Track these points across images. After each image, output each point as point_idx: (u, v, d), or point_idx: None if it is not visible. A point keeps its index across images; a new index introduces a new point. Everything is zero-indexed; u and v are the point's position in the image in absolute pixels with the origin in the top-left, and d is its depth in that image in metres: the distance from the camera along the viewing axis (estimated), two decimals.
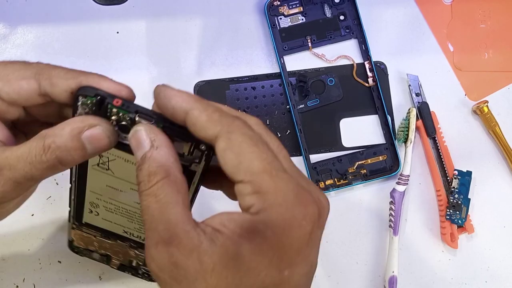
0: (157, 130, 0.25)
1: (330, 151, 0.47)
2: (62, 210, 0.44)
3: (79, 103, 0.25)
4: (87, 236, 0.36)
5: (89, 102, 0.25)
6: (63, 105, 0.28)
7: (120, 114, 0.25)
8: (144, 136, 0.25)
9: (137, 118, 0.25)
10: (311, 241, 0.24)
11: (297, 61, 0.47)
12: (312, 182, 0.27)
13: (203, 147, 0.26)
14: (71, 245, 0.38)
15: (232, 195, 0.26)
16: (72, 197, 0.32)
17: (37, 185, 0.31)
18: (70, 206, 0.33)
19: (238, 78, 0.47)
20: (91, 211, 0.33)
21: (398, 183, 0.46)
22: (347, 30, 0.48)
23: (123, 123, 0.25)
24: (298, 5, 0.48)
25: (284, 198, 0.24)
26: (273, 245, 0.23)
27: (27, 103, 0.28)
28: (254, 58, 0.48)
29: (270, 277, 0.24)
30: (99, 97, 0.25)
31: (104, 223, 0.34)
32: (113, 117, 0.25)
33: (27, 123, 0.30)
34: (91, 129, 0.25)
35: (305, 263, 0.25)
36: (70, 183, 0.31)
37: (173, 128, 0.25)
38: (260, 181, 0.24)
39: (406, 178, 0.45)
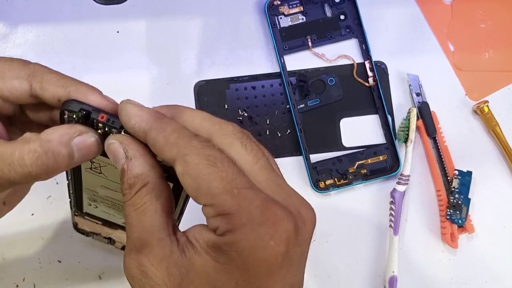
0: (129, 139, 0.24)
1: (330, 151, 0.47)
2: (62, 209, 0.44)
3: (65, 116, 0.25)
4: (89, 222, 0.36)
5: (74, 116, 0.25)
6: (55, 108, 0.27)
7: (106, 128, 0.25)
8: (117, 147, 0.24)
9: (122, 133, 0.25)
10: (286, 261, 0.23)
11: (297, 61, 0.47)
12: (294, 193, 0.25)
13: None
14: (76, 227, 0.38)
15: None
16: (71, 191, 0.32)
17: (29, 188, 0.31)
18: (70, 198, 0.33)
19: (238, 77, 0.47)
20: (90, 204, 0.33)
21: (398, 183, 0.46)
22: (348, 30, 0.48)
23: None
24: (298, 4, 0.48)
25: (248, 218, 0.22)
26: (239, 267, 0.22)
27: (18, 101, 0.27)
28: (254, 58, 0.47)
29: None
30: (84, 112, 0.25)
31: (104, 214, 0.34)
32: (99, 131, 0.25)
33: (25, 123, 0.29)
34: (81, 136, 0.25)
35: (280, 285, 0.23)
36: (67, 179, 0.31)
37: None
38: (222, 202, 0.22)
39: (407, 178, 0.45)
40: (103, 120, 0.25)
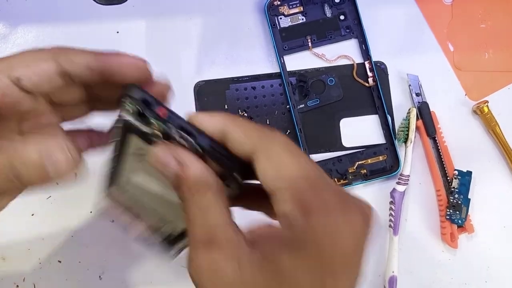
0: (176, 147, 0.24)
1: (330, 151, 0.47)
2: (62, 209, 0.44)
3: (125, 105, 0.25)
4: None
5: (132, 106, 0.24)
6: (86, 88, 0.27)
7: (163, 126, 0.24)
8: (167, 156, 0.24)
9: (176, 137, 0.24)
10: (358, 252, 0.23)
11: (297, 61, 0.47)
12: (352, 194, 0.25)
13: (236, 176, 0.26)
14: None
15: (273, 214, 0.25)
16: (112, 165, 0.30)
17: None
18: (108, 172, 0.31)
19: (238, 77, 0.47)
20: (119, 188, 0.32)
21: (398, 183, 0.46)
22: (347, 30, 0.48)
23: (156, 132, 0.25)
24: (298, 4, 0.48)
25: (325, 205, 0.23)
26: (315, 254, 0.22)
27: (49, 85, 0.26)
28: (254, 58, 0.47)
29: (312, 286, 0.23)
30: (143, 104, 0.24)
31: (129, 202, 0.34)
32: (151, 126, 0.25)
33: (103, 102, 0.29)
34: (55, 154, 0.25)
35: (350, 272, 0.24)
36: (113, 154, 0.30)
37: (214, 150, 0.25)
38: (299, 187, 0.23)
39: (406, 178, 0.45)
40: (165, 117, 0.24)
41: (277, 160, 0.23)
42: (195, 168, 0.24)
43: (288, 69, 0.47)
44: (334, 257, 0.22)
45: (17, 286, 0.43)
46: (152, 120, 0.24)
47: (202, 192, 0.24)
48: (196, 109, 0.47)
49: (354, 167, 0.47)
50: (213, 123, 0.25)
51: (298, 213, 0.22)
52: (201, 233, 0.24)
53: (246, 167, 0.25)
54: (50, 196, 0.44)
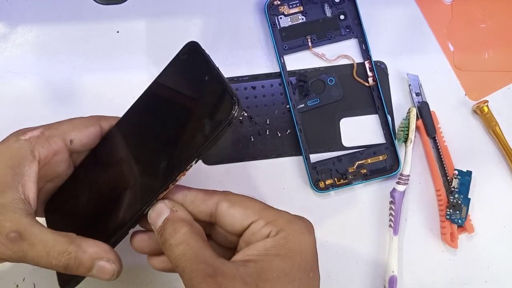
0: (171, 201, 0.32)
1: (330, 151, 0.47)
2: None
3: None
4: None
5: None
6: None
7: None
8: (164, 207, 0.31)
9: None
10: (314, 248, 0.31)
11: (297, 61, 0.47)
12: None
13: None
14: None
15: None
16: None
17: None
18: None
19: (238, 77, 0.47)
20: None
21: (398, 183, 0.46)
22: (347, 30, 0.48)
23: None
24: (298, 4, 0.48)
25: (288, 220, 0.31)
26: (297, 253, 0.30)
27: (93, 144, 0.35)
28: (254, 58, 0.48)
29: (302, 282, 0.29)
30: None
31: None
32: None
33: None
34: (107, 262, 0.31)
35: (317, 265, 0.31)
36: None
37: None
38: (267, 215, 0.31)
39: (406, 178, 0.45)
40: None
41: (240, 203, 0.32)
42: (182, 212, 0.32)
43: (288, 69, 0.47)
44: (310, 254, 0.31)
45: (17, 286, 0.43)
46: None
47: (188, 232, 0.30)
48: None
49: (354, 167, 0.47)
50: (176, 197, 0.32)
51: (275, 230, 0.30)
52: (203, 267, 0.28)
53: None
54: None
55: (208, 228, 0.33)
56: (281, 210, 0.32)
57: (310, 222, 0.32)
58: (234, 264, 0.29)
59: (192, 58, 0.32)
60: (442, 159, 0.46)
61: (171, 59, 0.33)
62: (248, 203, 0.31)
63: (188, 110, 0.31)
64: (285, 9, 0.48)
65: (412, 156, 0.46)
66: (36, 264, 0.29)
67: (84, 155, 0.36)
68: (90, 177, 0.35)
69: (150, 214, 0.31)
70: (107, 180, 0.34)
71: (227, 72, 0.47)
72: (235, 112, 0.29)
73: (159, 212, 0.31)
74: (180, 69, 0.32)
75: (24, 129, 0.33)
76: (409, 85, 0.48)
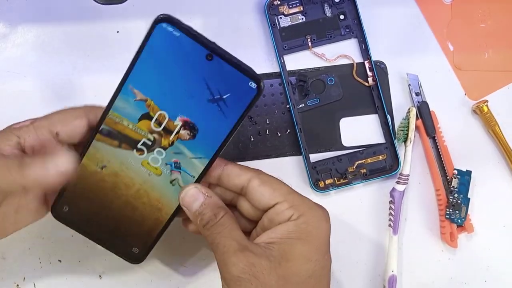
0: (202, 185, 0.34)
1: (330, 151, 0.47)
2: None
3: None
4: None
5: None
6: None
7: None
8: (198, 192, 0.34)
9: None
10: (329, 233, 0.35)
11: (297, 61, 0.47)
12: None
13: None
14: None
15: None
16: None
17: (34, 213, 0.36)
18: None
19: None
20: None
21: (397, 182, 0.46)
22: (347, 30, 0.48)
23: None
24: (298, 4, 0.48)
25: (309, 206, 0.35)
26: (315, 236, 0.33)
27: (80, 137, 0.35)
28: (254, 58, 0.47)
29: (319, 262, 0.33)
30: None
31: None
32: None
33: None
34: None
35: (329, 249, 0.35)
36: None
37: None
38: (292, 199, 0.34)
39: (406, 177, 0.46)
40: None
41: (269, 183, 0.35)
42: (215, 198, 0.35)
43: (288, 69, 0.47)
44: (325, 238, 0.34)
45: (17, 285, 0.43)
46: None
47: (224, 217, 0.34)
48: None
49: (354, 167, 0.47)
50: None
51: (297, 213, 0.34)
52: (235, 243, 0.32)
53: None
54: None
55: (236, 199, 0.37)
56: (304, 197, 0.35)
57: (327, 211, 0.35)
58: (260, 245, 0.33)
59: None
60: (442, 159, 0.47)
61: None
62: (276, 185, 0.35)
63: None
64: (285, 9, 0.48)
65: (412, 156, 0.46)
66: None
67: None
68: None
69: (183, 198, 0.34)
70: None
71: None
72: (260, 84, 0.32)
73: (193, 197, 0.34)
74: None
75: (21, 121, 0.35)
76: (409, 85, 0.48)
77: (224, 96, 0.32)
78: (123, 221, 0.36)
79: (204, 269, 0.45)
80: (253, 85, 0.32)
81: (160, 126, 0.33)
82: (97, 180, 0.35)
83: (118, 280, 0.44)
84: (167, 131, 0.33)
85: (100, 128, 0.34)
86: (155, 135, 0.34)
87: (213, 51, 0.32)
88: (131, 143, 0.34)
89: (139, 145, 0.34)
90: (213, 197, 0.34)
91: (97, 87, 0.46)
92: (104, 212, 0.36)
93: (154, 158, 0.34)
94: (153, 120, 0.33)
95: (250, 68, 0.32)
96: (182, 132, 0.33)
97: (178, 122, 0.33)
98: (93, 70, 0.46)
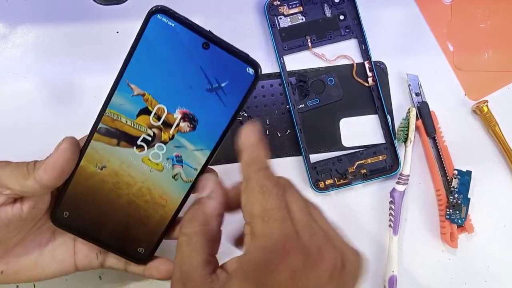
0: (219, 182, 0.32)
1: (330, 151, 0.47)
2: None
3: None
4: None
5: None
6: None
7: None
8: (210, 184, 0.32)
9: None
10: (293, 286, 0.26)
11: (297, 61, 0.47)
12: (339, 239, 0.30)
13: None
14: None
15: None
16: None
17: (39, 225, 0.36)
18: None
19: None
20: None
21: (398, 182, 0.46)
22: (347, 30, 0.48)
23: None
24: (298, 4, 0.48)
25: (265, 244, 0.27)
26: (258, 283, 0.26)
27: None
28: (254, 58, 0.47)
29: None
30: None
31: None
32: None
33: None
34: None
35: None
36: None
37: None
38: (254, 224, 0.28)
39: (406, 177, 0.45)
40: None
41: (248, 194, 0.29)
42: (213, 205, 0.32)
43: (288, 69, 0.47)
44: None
45: (17, 286, 0.43)
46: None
47: (197, 230, 0.31)
48: None
49: (354, 167, 0.47)
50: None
51: (250, 246, 0.30)
52: (183, 270, 0.29)
53: None
54: None
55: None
56: (281, 227, 0.28)
57: (310, 260, 0.28)
58: (213, 282, 0.29)
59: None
60: (442, 159, 0.47)
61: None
62: (252, 199, 0.29)
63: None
64: (285, 9, 0.48)
65: (412, 156, 0.46)
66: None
67: None
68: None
69: (201, 178, 0.33)
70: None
71: None
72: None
73: (203, 187, 0.33)
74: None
75: None
76: (409, 85, 0.48)
77: (222, 84, 0.32)
78: (127, 222, 0.35)
79: None
80: (250, 70, 0.32)
81: (159, 120, 0.33)
82: (97, 182, 0.34)
83: (118, 280, 0.44)
84: (167, 124, 0.33)
85: (98, 127, 0.33)
86: (155, 130, 0.33)
87: (209, 39, 0.31)
88: (130, 140, 0.33)
89: (138, 142, 0.33)
90: (212, 200, 0.32)
91: (97, 88, 0.46)
92: (107, 214, 0.35)
93: (155, 154, 0.34)
94: (152, 114, 0.32)
95: (247, 54, 0.32)
96: (182, 124, 0.33)
97: (178, 115, 0.32)
98: (92, 70, 0.46)
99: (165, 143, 0.33)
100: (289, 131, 0.47)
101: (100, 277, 0.44)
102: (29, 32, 0.46)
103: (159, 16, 0.31)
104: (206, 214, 0.31)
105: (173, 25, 0.31)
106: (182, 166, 0.34)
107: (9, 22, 0.46)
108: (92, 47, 0.46)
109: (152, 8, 0.31)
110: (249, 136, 0.31)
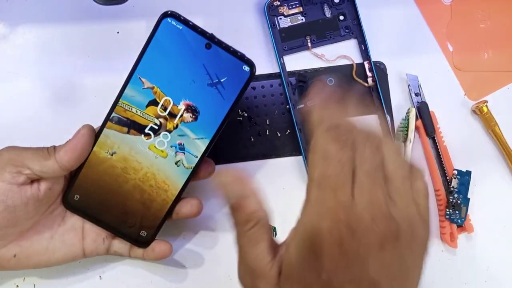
0: (242, 179, 0.30)
1: None
2: None
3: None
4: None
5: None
6: None
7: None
8: (233, 185, 0.29)
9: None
10: (343, 254, 0.26)
11: (297, 61, 0.47)
12: (406, 208, 0.28)
13: None
14: None
15: None
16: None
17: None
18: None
19: None
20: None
21: None
22: (347, 30, 0.48)
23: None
24: (297, 5, 0.48)
25: (317, 210, 0.26)
26: (308, 249, 0.26)
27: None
28: (254, 58, 0.47)
29: (317, 284, 0.26)
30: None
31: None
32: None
33: None
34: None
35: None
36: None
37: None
38: (310, 189, 0.27)
39: None
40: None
41: (311, 153, 0.28)
42: (252, 201, 0.29)
43: (287, 69, 0.47)
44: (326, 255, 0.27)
45: (17, 286, 0.43)
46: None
47: (254, 228, 0.29)
48: None
49: None
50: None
51: (302, 213, 0.28)
52: (248, 264, 0.29)
53: None
54: None
55: None
56: (324, 193, 0.27)
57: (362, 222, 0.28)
58: (273, 267, 0.29)
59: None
60: (442, 159, 0.47)
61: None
62: (311, 160, 0.28)
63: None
64: (284, 9, 0.48)
65: (412, 156, 0.46)
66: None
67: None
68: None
69: (218, 180, 0.31)
70: None
71: None
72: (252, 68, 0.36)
73: (227, 189, 0.30)
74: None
75: None
76: (409, 85, 0.48)
77: (222, 80, 0.36)
78: (132, 205, 0.38)
79: (204, 269, 0.45)
80: (246, 68, 0.36)
81: (165, 111, 0.37)
82: (107, 166, 0.38)
83: (118, 280, 0.44)
84: (172, 115, 0.37)
85: (111, 117, 0.37)
86: (161, 120, 0.37)
87: (211, 41, 0.36)
88: (139, 129, 0.37)
89: (146, 130, 0.37)
90: (251, 198, 0.30)
91: (97, 88, 0.46)
92: (114, 198, 0.38)
93: (160, 142, 0.37)
94: (159, 105, 0.37)
95: (243, 54, 0.36)
96: (185, 115, 0.37)
97: (182, 106, 0.37)
98: (93, 70, 0.46)
99: (169, 131, 0.37)
100: (289, 131, 0.47)
101: (100, 276, 0.44)
102: (29, 32, 0.46)
103: (169, 20, 0.36)
104: (254, 211, 0.29)
105: (180, 27, 0.36)
106: (184, 153, 0.37)
107: (9, 22, 0.46)
108: (92, 47, 0.46)
109: (163, 12, 0.36)
110: (318, 92, 0.31)
